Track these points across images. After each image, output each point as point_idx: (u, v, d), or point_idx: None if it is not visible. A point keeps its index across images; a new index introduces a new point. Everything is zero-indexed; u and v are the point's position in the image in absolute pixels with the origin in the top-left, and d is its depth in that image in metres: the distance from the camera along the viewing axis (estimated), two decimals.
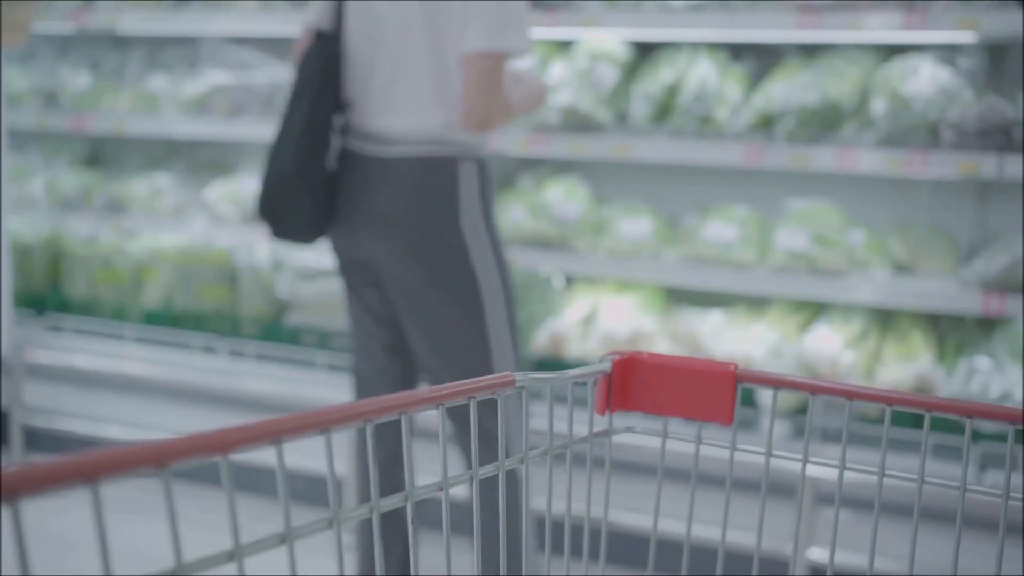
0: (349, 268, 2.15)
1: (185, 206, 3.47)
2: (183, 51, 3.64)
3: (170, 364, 3.29)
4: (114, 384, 3.36)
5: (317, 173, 2.05)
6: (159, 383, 3.27)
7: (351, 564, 2.30)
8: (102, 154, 3.99)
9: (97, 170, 3.82)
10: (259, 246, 3.44)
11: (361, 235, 2.07)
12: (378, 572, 0.55)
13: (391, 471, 2.08)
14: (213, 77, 3.44)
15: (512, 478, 1.86)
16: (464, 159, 2.04)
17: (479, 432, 1.96)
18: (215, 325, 3.34)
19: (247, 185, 3.41)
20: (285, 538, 0.46)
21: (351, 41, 2.06)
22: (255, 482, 2.77)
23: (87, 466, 0.35)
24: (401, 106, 2.03)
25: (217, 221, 3.39)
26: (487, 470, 0.66)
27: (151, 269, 3.49)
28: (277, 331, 3.26)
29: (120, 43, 3.82)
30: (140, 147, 3.86)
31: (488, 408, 1.86)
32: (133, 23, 3.46)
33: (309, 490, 2.53)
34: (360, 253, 2.10)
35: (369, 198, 2.05)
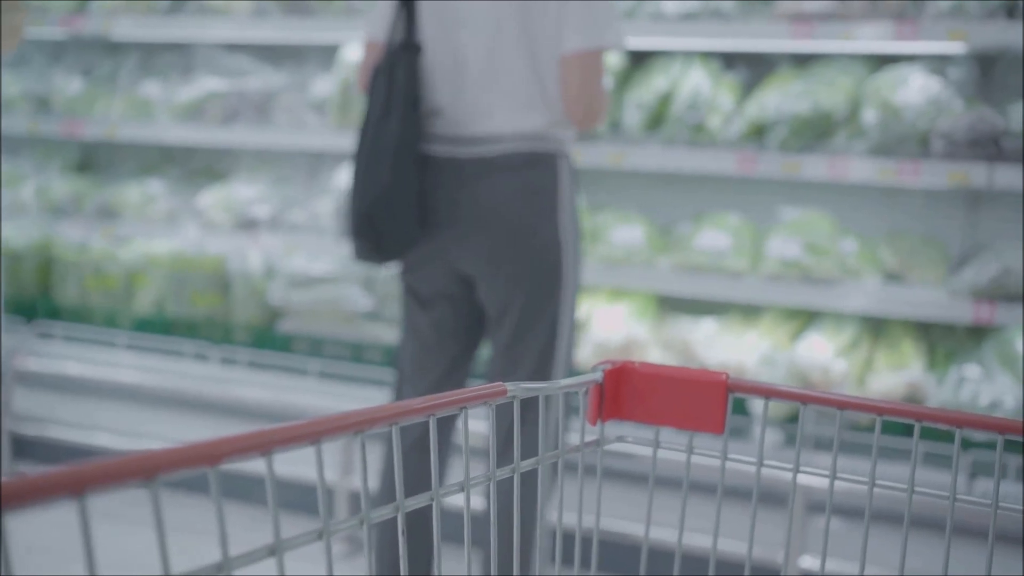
0: (428, 277, 2.10)
1: (178, 213, 3.47)
2: (176, 57, 3.64)
3: (161, 371, 3.28)
4: (105, 391, 3.34)
5: (416, 186, 2.01)
6: (150, 390, 3.26)
7: (359, 566, 2.29)
8: (94, 160, 3.98)
9: (89, 176, 3.81)
10: (251, 253, 3.44)
11: (456, 234, 2.03)
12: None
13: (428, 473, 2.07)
14: (206, 83, 3.44)
15: (524, 485, 1.86)
16: (561, 156, 2.05)
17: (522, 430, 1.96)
18: (207, 332, 3.33)
19: (240, 192, 3.41)
20: (274, 550, 0.46)
21: (431, 49, 2.03)
22: (248, 490, 2.76)
23: (74, 479, 0.35)
24: (499, 109, 2.02)
25: (209, 228, 3.38)
26: (478, 479, 0.66)
27: (143, 276, 3.48)
28: (269, 338, 3.25)
29: (113, 49, 3.82)
30: (133, 153, 3.86)
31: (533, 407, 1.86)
32: (126, 29, 3.45)
33: (302, 498, 2.52)
34: (447, 255, 2.05)
35: (471, 195, 2.01)
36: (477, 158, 2.02)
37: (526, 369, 2.02)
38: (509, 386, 0.65)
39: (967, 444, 2.43)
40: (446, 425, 2.07)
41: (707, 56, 2.97)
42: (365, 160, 2.01)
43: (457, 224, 2.03)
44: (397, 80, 2.00)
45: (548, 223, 2.01)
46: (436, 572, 0.61)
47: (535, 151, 2.02)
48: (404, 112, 1.99)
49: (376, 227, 2.01)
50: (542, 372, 2.02)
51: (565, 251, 2.03)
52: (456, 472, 2.30)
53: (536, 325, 2.03)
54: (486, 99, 2.02)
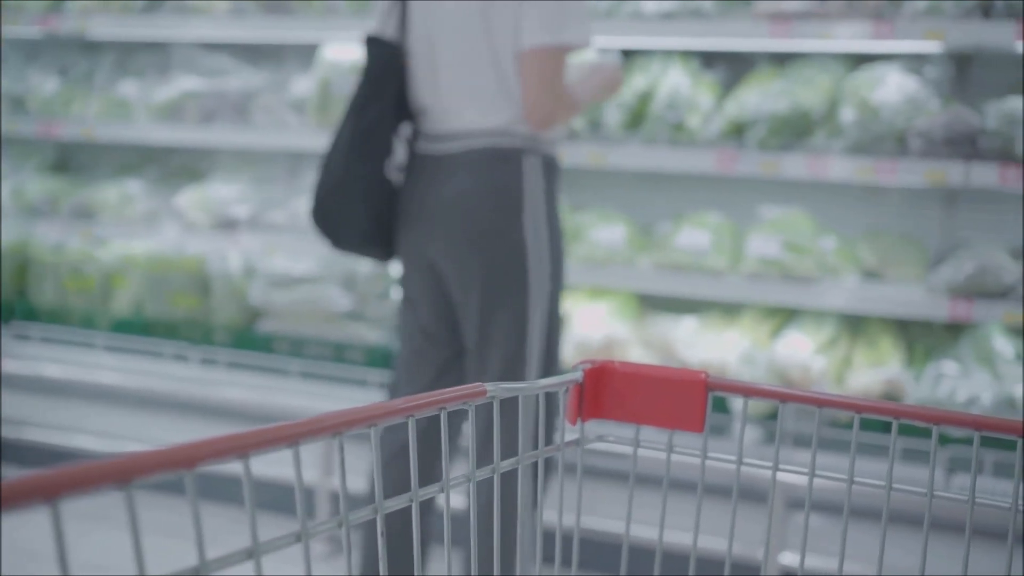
0: (411, 277, 2.11)
1: (156, 213, 3.44)
2: (154, 56, 3.61)
3: (141, 372, 3.26)
4: (83, 393, 3.32)
5: (371, 180, 2.02)
6: (129, 392, 3.23)
7: (342, 566, 2.28)
8: (71, 160, 3.95)
9: (66, 176, 3.78)
10: (231, 253, 3.42)
11: (425, 231, 2.04)
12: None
13: (429, 467, 2.02)
14: (185, 83, 3.41)
15: (510, 484, 1.84)
16: (529, 153, 2.01)
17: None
18: (187, 333, 3.31)
19: (219, 192, 3.39)
20: (252, 553, 0.46)
21: (414, 48, 2.04)
22: (231, 491, 2.74)
23: (47, 484, 0.34)
24: (467, 106, 2.01)
25: (189, 228, 3.36)
26: (458, 480, 0.66)
27: (121, 276, 3.46)
28: (250, 339, 3.24)
29: (90, 48, 3.79)
30: (110, 153, 3.83)
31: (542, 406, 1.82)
32: (103, 28, 3.43)
33: (285, 498, 2.51)
34: (423, 252, 2.06)
35: (434, 191, 2.02)
36: (444, 155, 2.03)
37: (494, 372, 2.01)
38: (488, 386, 0.65)
39: (945, 440, 2.45)
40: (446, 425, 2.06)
41: (686, 55, 2.98)
42: (326, 154, 2.07)
43: (425, 221, 2.04)
44: (363, 75, 2.03)
45: (510, 222, 1.98)
46: (418, 572, 0.61)
47: (498, 147, 2.00)
48: (360, 106, 2.01)
49: (328, 219, 2.06)
50: (512, 375, 2.01)
51: (531, 252, 1.99)
52: (454, 471, 2.29)
53: (500, 327, 2.01)
54: (455, 96, 2.02)
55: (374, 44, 2.04)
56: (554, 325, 2.10)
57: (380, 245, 2.10)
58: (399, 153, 2.08)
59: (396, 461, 2.07)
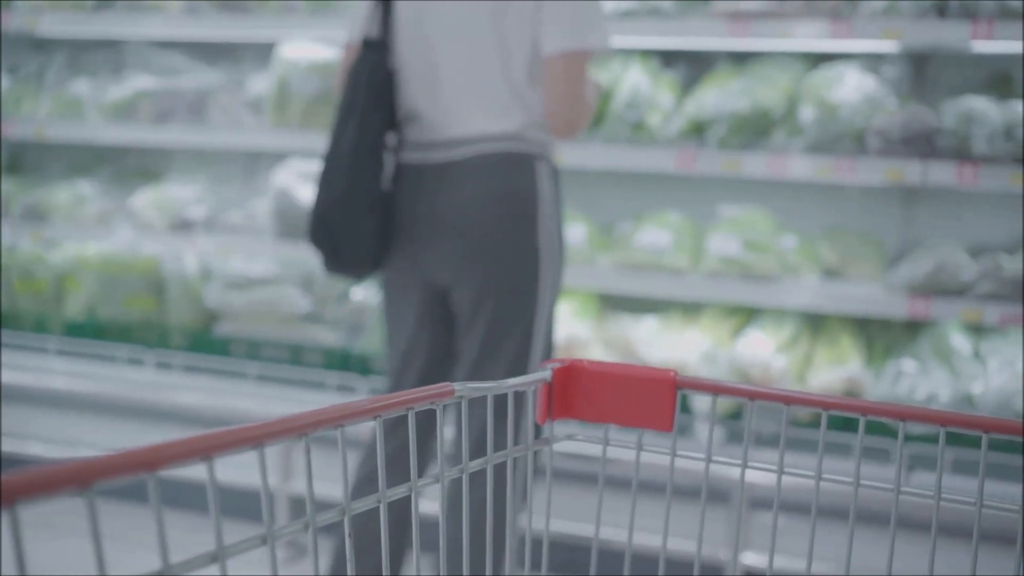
0: (402, 292, 2.03)
1: (110, 214, 3.38)
2: (106, 55, 3.55)
3: (94, 377, 3.20)
4: (35, 399, 3.24)
5: (375, 192, 1.94)
6: (83, 397, 3.17)
7: (301, 569, 2.25)
8: (21, 161, 3.87)
9: (16, 177, 3.70)
10: (187, 254, 3.37)
11: (426, 243, 1.96)
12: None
13: (400, 463, 1.98)
14: (138, 82, 3.36)
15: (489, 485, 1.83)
16: (540, 158, 1.97)
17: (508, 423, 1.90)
18: (141, 336, 3.25)
19: (175, 192, 3.34)
20: (217, 557, 0.45)
21: (405, 52, 1.96)
22: (192, 497, 2.70)
23: (4, 489, 0.32)
24: (473, 111, 1.94)
25: (143, 229, 3.30)
26: (425, 481, 0.65)
27: (73, 278, 3.39)
28: (206, 341, 3.19)
29: (40, 46, 3.71)
30: (63, 153, 3.75)
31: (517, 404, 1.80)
32: (53, 25, 3.36)
33: (239, 504, 2.47)
34: (421, 266, 1.98)
35: (444, 200, 1.94)
36: (450, 162, 1.96)
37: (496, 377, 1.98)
38: (456, 386, 0.64)
39: (906, 437, 2.48)
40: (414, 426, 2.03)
41: (646, 54, 2.99)
42: (326, 164, 1.97)
43: (429, 231, 1.97)
44: (360, 82, 1.94)
45: (526, 229, 1.93)
46: (386, 572, 0.59)
47: (510, 151, 1.94)
48: (364, 114, 1.93)
49: (331, 233, 1.96)
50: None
51: (544, 259, 1.95)
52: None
53: (507, 337, 1.96)
54: (460, 102, 1.95)
55: (374, 49, 1.95)
56: (551, 332, 2.05)
57: (378, 261, 2.01)
58: (388, 164, 2.01)
59: (397, 461, 2.03)
